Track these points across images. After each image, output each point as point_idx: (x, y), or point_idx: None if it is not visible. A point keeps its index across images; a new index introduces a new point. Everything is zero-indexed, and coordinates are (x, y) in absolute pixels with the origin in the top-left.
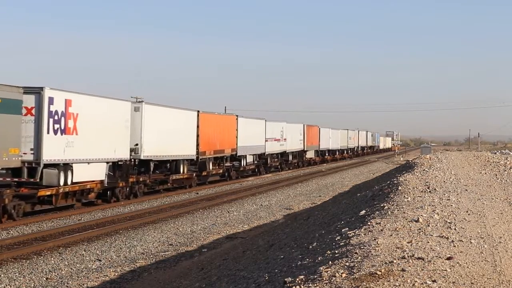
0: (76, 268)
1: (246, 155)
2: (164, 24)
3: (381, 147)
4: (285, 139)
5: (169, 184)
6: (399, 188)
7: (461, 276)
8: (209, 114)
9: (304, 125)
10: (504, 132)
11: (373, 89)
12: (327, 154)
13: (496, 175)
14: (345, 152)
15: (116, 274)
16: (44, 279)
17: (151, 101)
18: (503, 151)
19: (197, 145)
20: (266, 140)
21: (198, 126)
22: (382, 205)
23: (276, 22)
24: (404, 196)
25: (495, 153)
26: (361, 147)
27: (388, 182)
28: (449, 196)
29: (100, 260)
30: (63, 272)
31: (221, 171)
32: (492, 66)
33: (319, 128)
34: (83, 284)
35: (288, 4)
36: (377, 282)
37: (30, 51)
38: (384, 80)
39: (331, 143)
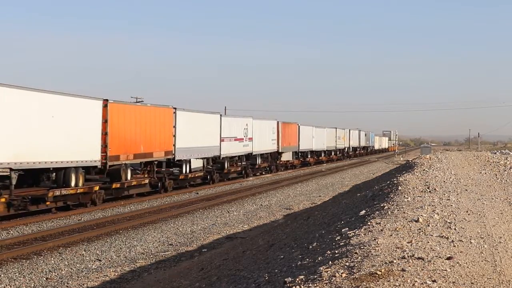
0: (76, 268)
1: (190, 160)
2: (164, 24)
3: (376, 147)
4: (250, 139)
5: (48, 203)
6: (399, 188)
7: (461, 276)
8: (125, 105)
9: (278, 122)
10: (504, 132)
11: (373, 89)
12: (309, 156)
13: (496, 175)
14: (332, 153)
15: (116, 274)
16: (44, 279)
17: (150, 101)
18: (503, 151)
19: (105, 146)
20: (222, 140)
21: (106, 121)
22: (382, 205)
23: (276, 22)
24: (404, 196)
25: (495, 153)
26: (352, 147)
27: (388, 182)
28: (449, 196)
29: (100, 260)
30: (63, 272)
31: (147, 181)
32: (492, 66)
33: (299, 126)
34: (83, 284)
35: (288, 4)
36: (377, 282)
37: (30, 51)
38: (384, 80)
39: (314, 143)
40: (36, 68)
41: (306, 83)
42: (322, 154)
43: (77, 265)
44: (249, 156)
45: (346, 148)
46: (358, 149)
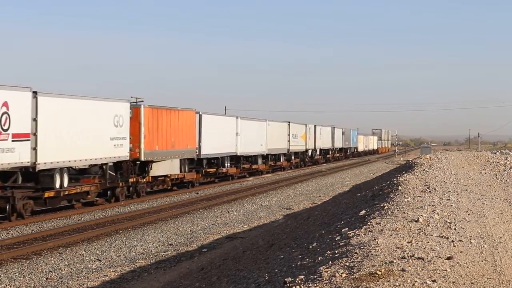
0: (76, 268)
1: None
2: (164, 24)
3: (361, 148)
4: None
5: None
6: (399, 188)
7: (461, 276)
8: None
9: (130, 105)
10: (504, 132)
11: (373, 89)
12: (227, 165)
13: (496, 175)
14: (282, 158)
15: (116, 274)
16: (44, 279)
17: (150, 102)
18: (503, 151)
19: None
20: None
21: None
22: (382, 205)
23: (276, 22)
24: (404, 196)
25: (495, 153)
26: (322, 149)
27: (388, 182)
28: (449, 196)
29: (100, 260)
30: (63, 272)
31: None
32: (492, 66)
33: (200, 116)
34: (83, 284)
35: (288, 4)
36: (377, 282)
37: (30, 51)
38: (384, 80)
39: (240, 144)
40: (36, 68)
41: (306, 83)
42: (260, 161)
43: (77, 265)
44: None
45: (311, 151)
46: (331, 152)
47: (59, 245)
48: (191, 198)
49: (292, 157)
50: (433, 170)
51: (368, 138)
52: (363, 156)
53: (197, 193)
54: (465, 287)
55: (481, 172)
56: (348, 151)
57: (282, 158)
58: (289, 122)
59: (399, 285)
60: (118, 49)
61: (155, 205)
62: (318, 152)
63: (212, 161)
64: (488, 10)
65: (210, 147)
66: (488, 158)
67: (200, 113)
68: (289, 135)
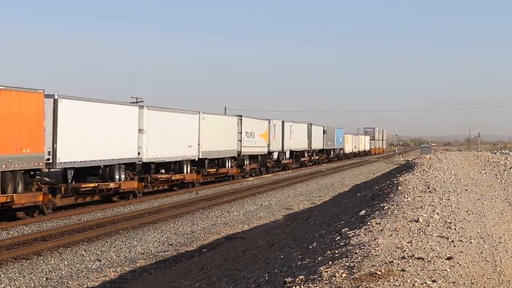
0: (76, 268)
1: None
2: (164, 24)
3: (349, 149)
4: None
5: None
6: (399, 188)
7: (461, 276)
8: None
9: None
10: (504, 132)
11: (373, 89)
12: (119, 174)
13: (496, 175)
14: (229, 163)
15: (116, 274)
16: (44, 279)
17: (151, 102)
18: (503, 151)
19: None
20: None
21: None
22: (382, 205)
23: (276, 22)
24: (404, 196)
25: (495, 153)
26: (295, 151)
27: (388, 182)
28: (449, 196)
29: (100, 260)
30: (63, 272)
31: None
32: (492, 66)
33: (55, 101)
34: (83, 284)
35: (288, 4)
36: (377, 282)
37: (30, 51)
38: (384, 80)
39: (148, 145)
40: (36, 68)
41: (306, 83)
42: (186, 169)
43: (77, 265)
44: None
45: (277, 154)
46: (307, 154)
47: (59, 245)
48: (191, 198)
49: (246, 162)
50: (433, 170)
51: (358, 138)
52: (352, 158)
53: (197, 193)
54: (465, 287)
55: (481, 172)
56: (332, 152)
57: (228, 164)
58: (240, 116)
59: (399, 285)
60: (118, 49)
61: (155, 205)
62: (287, 155)
63: (96, 171)
64: (488, 10)
65: (76, 152)
66: (488, 158)
67: (56, 97)
68: (240, 133)
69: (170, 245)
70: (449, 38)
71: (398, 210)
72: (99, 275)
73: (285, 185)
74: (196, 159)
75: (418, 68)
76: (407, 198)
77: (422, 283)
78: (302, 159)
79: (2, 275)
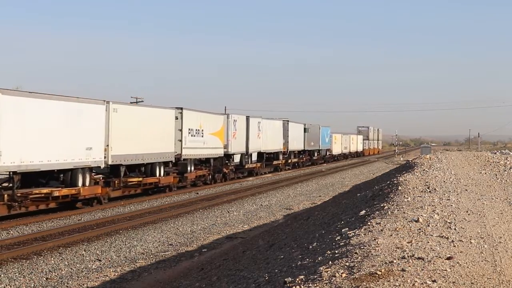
0: (76, 268)
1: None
2: (164, 24)
3: (338, 150)
4: None
5: None
6: (399, 188)
7: (461, 276)
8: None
9: None
10: (504, 132)
11: (373, 89)
12: None
13: (496, 175)
14: (160, 170)
15: (116, 274)
16: (44, 279)
17: (151, 101)
18: (503, 151)
19: None
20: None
21: None
22: (382, 205)
23: (276, 22)
24: (404, 196)
25: (495, 153)
26: (266, 153)
27: (388, 182)
28: (449, 196)
29: (100, 260)
30: (63, 272)
31: None
32: (492, 66)
33: None
34: (83, 284)
35: (288, 4)
36: (377, 282)
37: (30, 51)
38: (384, 80)
39: (21, 148)
40: (36, 68)
41: (306, 83)
42: (83, 180)
43: (77, 265)
44: None
45: (239, 156)
46: (283, 156)
47: (59, 245)
48: (191, 198)
49: (190, 168)
50: (433, 170)
51: (348, 138)
52: (342, 160)
53: (197, 193)
54: (465, 287)
55: (481, 172)
56: (316, 154)
57: (159, 171)
58: (181, 108)
59: (399, 285)
60: (118, 49)
61: (155, 205)
62: (254, 158)
63: None
64: (488, 10)
65: None
66: (488, 158)
67: None
68: (181, 130)
69: (170, 245)
70: (449, 38)
71: (398, 210)
72: (99, 275)
73: (285, 185)
74: (102, 166)
75: (418, 68)
76: (407, 198)
77: (422, 283)
78: (276, 162)
79: (2, 275)
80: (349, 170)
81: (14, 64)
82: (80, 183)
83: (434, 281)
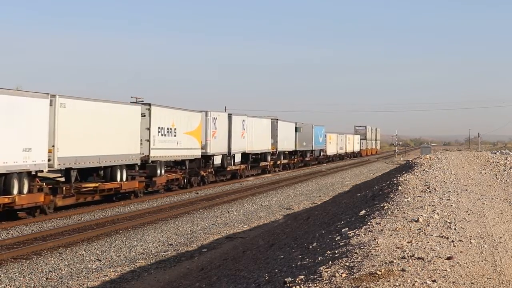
0: (76, 268)
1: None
2: (164, 24)
3: (333, 151)
4: None
5: None
6: (399, 188)
7: (461, 276)
8: None
9: None
10: (504, 132)
11: (373, 89)
12: None
13: (496, 175)
14: (121, 174)
15: (116, 274)
16: (44, 279)
17: (152, 101)
18: (503, 151)
19: None
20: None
21: None
22: (382, 205)
23: (276, 22)
24: (404, 196)
25: (495, 153)
26: (252, 154)
27: (388, 182)
28: (449, 196)
29: (100, 260)
30: (63, 272)
31: None
32: (492, 66)
33: None
34: (83, 284)
35: (288, 4)
36: (377, 282)
37: (30, 51)
38: (384, 80)
39: None
40: (36, 69)
41: (306, 83)
42: (18, 187)
43: (77, 265)
44: None
45: (220, 158)
46: (271, 157)
47: (59, 245)
48: (191, 198)
49: (160, 171)
50: (433, 170)
51: (344, 138)
52: (338, 161)
53: (197, 193)
54: (465, 287)
55: (481, 172)
56: (309, 155)
57: (120, 175)
58: (149, 104)
59: (399, 285)
60: (118, 49)
61: (155, 205)
62: (237, 159)
63: None
64: (488, 10)
65: None
66: (488, 158)
67: None
68: (148, 129)
69: (170, 245)
70: (449, 38)
71: (398, 210)
72: (99, 275)
73: (285, 185)
74: (46, 170)
75: (418, 68)
76: (407, 198)
77: (422, 283)
78: (263, 163)
79: (2, 275)
80: (349, 170)
81: (14, 64)
82: (15, 190)
83: (434, 281)
